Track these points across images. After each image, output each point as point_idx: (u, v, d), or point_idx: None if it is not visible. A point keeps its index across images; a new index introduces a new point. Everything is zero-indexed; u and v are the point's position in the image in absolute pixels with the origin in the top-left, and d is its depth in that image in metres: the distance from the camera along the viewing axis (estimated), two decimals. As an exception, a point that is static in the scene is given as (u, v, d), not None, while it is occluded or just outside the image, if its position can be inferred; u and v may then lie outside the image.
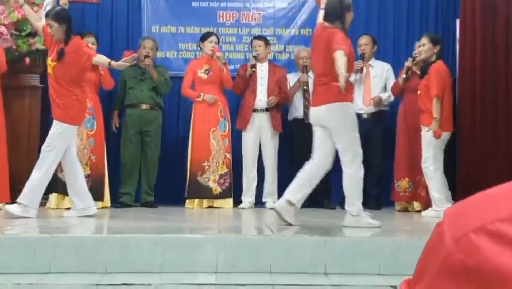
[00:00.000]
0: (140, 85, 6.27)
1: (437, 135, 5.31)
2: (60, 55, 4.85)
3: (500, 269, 0.58)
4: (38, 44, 5.99)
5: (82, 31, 6.16)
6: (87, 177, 5.79)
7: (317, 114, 4.52)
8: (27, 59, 6.04)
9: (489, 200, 0.63)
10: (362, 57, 6.34)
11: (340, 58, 4.14)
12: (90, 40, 6.03)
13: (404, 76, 6.08)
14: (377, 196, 6.36)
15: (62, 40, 4.92)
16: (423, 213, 5.57)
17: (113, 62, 5.00)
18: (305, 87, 6.35)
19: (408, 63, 6.07)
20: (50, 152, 4.88)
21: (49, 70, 4.99)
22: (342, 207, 6.22)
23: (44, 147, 4.93)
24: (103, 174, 5.99)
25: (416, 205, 6.02)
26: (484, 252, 0.59)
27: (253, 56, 6.28)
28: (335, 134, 4.42)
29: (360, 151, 4.49)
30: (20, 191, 5.90)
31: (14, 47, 5.97)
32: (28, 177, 5.98)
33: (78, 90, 5.01)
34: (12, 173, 5.79)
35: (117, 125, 6.40)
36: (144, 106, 6.27)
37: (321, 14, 4.64)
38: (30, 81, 6.15)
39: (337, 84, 4.14)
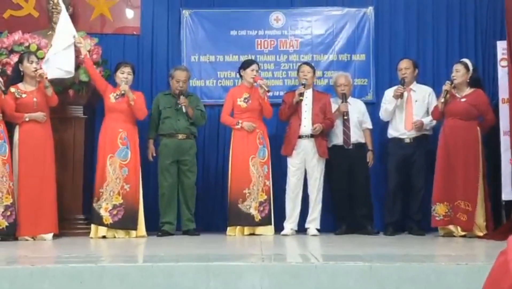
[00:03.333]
0: (176, 115, 6.33)
1: None
2: None
3: None
4: (81, 76, 6.14)
5: (121, 61, 6.33)
6: (119, 206, 5.91)
7: None
8: (71, 91, 6.19)
9: None
10: (403, 82, 6.32)
11: None
12: (126, 70, 6.13)
13: (442, 100, 6.01)
14: (420, 221, 6.28)
15: None
16: None
17: None
18: (345, 117, 6.35)
19: (446, 86, 6.00)
20: None
21: None
22: (386, 233, 6.22)
23: None
24: (137, 204, 6.02)
25: (460, 229, 5.89)
26: None
27: (302, 84, 6.26)
28: None
29: None
30: (67, 220, 6.07)
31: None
32: (71, 206, 6.16)
33: None
34: (58, 202, 5.91)
35: (154, 155, 6.45)
36: (180, 136, 6.33)
37: None
38: (74, 112, 6.29)
39: None
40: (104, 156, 5.94)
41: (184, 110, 6.26)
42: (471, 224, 5.81)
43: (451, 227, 5.95)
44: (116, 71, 6.17)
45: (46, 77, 5.77)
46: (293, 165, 6.29)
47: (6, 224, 5.53)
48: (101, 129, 6.08)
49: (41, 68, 5.80)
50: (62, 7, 6.21)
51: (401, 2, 7.13)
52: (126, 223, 5.95)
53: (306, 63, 6.58)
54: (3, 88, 5.58)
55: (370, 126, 6.57)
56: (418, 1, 7.11)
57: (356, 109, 6.52)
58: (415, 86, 6.48)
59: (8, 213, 5.54)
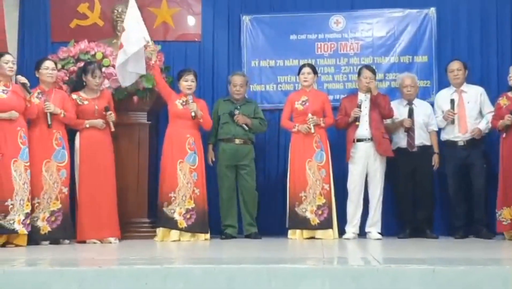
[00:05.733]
0: (234, 121, 6.42)
1: None
2: None
3: None
4: (144, 83, 6.27)
5: (183, 68, 6.43)
6: (192, 210, 5.99)
7: None
8: (135, 98, 6.32)
9: None
10: (453, 104, 6.26)
11: None
12: (190, 78, 6.21)
13: (504, 135, 5.92)
14: (489, 224, 6.11)
15: None
16: None
17: None
18: (410, 132, 6.33)
19: (508, 121, 5.83)
20: None
21: None
22: (455, 237, 6.13)
23: None
24: (206, 207, 6.13)
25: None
26: None
27: (358, 106, 6.22)
28: None
29: None
30: (132, 224, 6.22)
31: (123, 87, 6.28)
32: (136, 210, 6.30)
33: None
34: (121, 208, 6.05)
35: (213, 159, 6.54)
36: (237, 141, 6.41)
37: None
38: (139, 118, 6.41)
39: None
40: (173, 161, 6.01)
41: (246, 128, 6.38)
42: None
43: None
44: (179, 78, 6.26)
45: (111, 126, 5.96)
46: (355, 169, 6.27)
47: (49, 229, 5.65)
48: (166, 135, 6.17)
49: (111, 113, 5.96)
50: (134, 7, 6.18)
51: (464, 2, 7.03)
52: (198, 226, 6.03)
53: (368, 67, 6.48)
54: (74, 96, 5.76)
55: (436, 129, 6.49)
56: (481, 0, 6.98)
57: (422, 111, 6.46)
58: (466, 87, 6.43)
59: (53, 219, 5.67)
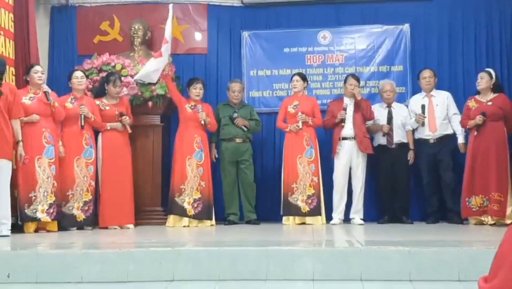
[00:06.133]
0: (234, 123, 6.42)
1: None
2: None
3: None
4: (158, 90, 6.26)
5: (192, 77, 6.43)
6: (198, 200, 5.98)
7: None
8: (150, 103, 6.32)
9: None
10: (423, 109, 6.26)
11: None
12: (198, 86, 6.22)
13: (475, 133, 5.87)
14: (459, 211, 6.08)
15: None
16: None
17: None
18: (390, 132, 6.33)
19: (479, 121, 5.81)
20: None
21: None
22: (428, 222, 6.14)
23: None
24: (211, 198, 6.13)
25: (491, 218, 5.75)
26: None
27: (344, 109, 6.22)
28: None
29: None
30: (147, 212, 6.20)
31: (139, 93, 6.27)
32: (151, 199, 6.29)
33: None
34: (137, 198, 6.05)
35: (216, 156, 6.54)
36: (237, 140, 6.41)
37: None
38: (153, 121, 6.43)
39: None
40: (183, 157, 6.03)
41: (244, 129, 6.39)
42: (504, 212, 5.68)
43: (482, 217, 5.81)
44: (189, 86, 6.27)
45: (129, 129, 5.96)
46: (340, 163, 6.25)
47: (83, 217, 5.68)
48: (177, 135, 6.19)
49: (125, 117, 5.95)
50: (169, 27, 6.15)
51: (434, 18, 7.01)
52: (204, 214, 6.05)
53: (353, 75, 6.48)
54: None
55: (412, 128, 6.48)
56: (449, 17, 6.99)
57: (400, 113, 6.47)
58: (435, 92, 6.44)
59: (86, 208, 5.69)
